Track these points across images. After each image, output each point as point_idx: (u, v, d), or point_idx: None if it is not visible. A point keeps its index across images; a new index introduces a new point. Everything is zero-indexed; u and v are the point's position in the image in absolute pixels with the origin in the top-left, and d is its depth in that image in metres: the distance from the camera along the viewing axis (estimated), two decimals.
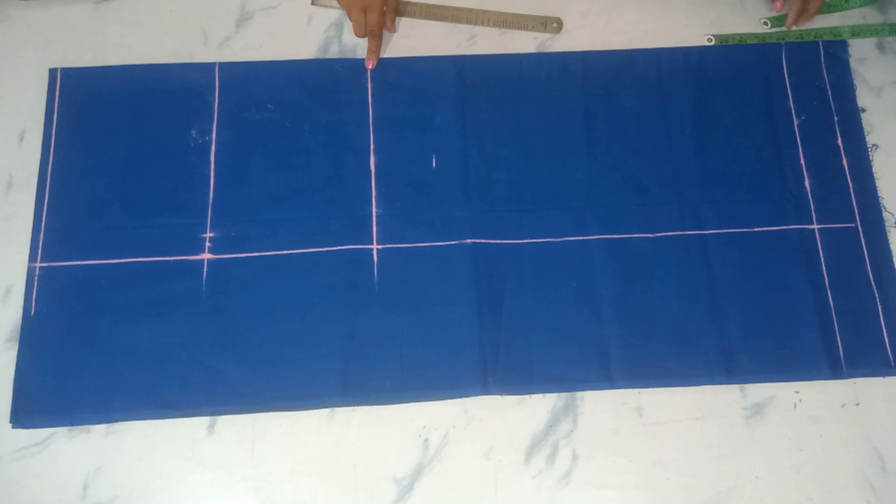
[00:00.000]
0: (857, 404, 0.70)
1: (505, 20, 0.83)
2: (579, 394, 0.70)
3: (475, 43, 0.82)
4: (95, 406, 0.68)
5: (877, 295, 0.73)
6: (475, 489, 0.67)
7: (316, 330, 0.70)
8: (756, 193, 0.76)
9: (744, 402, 0.70)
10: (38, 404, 0.68)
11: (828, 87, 0.80)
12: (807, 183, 0.77)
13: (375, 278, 0.72)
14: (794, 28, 0.79)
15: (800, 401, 0.70)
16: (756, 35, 0.83)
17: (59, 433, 0.68)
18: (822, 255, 0.74)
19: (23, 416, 0.68)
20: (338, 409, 0.69)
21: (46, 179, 0.75)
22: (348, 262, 0.73)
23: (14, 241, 0.74)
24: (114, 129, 0.77)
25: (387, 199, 0.75)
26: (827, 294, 0.73)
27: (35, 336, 0.70)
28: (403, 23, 0.82)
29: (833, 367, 0.71)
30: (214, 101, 0.78)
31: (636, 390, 0.70)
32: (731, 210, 0.75)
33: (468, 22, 0.82)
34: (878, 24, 0.83)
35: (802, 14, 0.80)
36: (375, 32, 0.78)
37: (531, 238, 0.74)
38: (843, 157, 0.77)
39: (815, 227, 0.75)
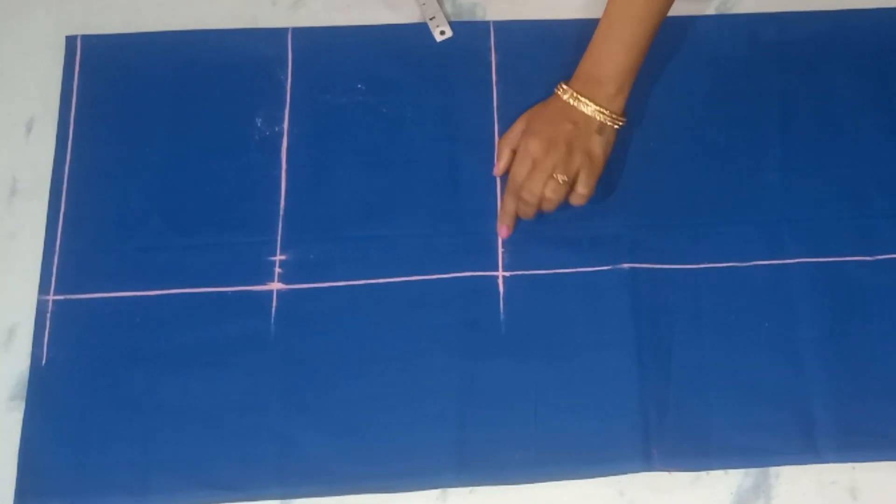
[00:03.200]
0: None
1: None
2: (773, 470, 0.63)
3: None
4: (128, 486, 0.62)
5: None
6: None
7: (422, 385, 0.65)
8: None
9: None
10: (52, 484, 0.62)
11: None
12: None
13: (502, 316, 0.67)
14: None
15: None
16: None
17: None
18: None
19: (31, 499, 0.61)
20: (451, 491, 0.63)
21: (62, 184, 0.70)
22: (465, 293, 0.67)
23: (19, 266, 0.68)
24: (152, 116, 0.72)
25: None
26: None
27: (47, 392, 0.64)
28: None
29: None
30: (286, 79, 0.73)
31: (849, 465, 0.63)
32: None
33: None
34: None
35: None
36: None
37: (709, 262, 0.68)
38: None
39: None
